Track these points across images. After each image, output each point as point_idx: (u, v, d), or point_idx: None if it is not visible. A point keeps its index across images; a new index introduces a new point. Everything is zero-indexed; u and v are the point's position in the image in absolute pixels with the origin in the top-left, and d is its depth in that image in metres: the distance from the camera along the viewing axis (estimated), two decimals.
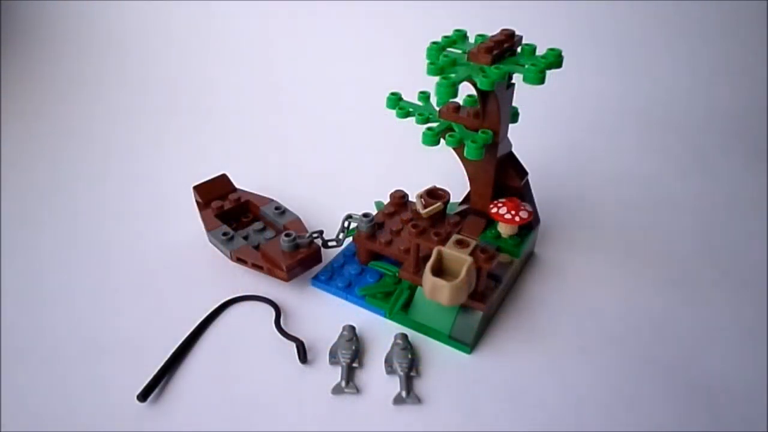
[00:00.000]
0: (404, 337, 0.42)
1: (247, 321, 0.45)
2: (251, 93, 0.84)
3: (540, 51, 0.39)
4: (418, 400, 0.39)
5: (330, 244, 0.49)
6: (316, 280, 0.48)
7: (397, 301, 0.44)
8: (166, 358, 0.41)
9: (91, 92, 0.88)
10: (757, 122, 0.75)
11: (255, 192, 0.56)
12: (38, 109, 0.83)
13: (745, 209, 0.60)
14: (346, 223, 0.49)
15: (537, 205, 0.50)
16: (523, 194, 0.47)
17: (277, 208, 0.53)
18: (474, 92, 0.42)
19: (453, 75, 0.35)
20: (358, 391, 0.40)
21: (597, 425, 0.38)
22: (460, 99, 0.43)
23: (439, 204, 0.43)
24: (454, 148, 0.43)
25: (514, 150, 0.47)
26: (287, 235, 0.46)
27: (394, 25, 0.87)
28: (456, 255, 0.39)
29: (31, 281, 0.50)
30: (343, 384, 0.40)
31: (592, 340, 0.44)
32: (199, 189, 0.55)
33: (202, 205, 0.54)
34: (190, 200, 0.56)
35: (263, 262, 0.46)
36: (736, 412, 0.38)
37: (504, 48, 0.38)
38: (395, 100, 0.45)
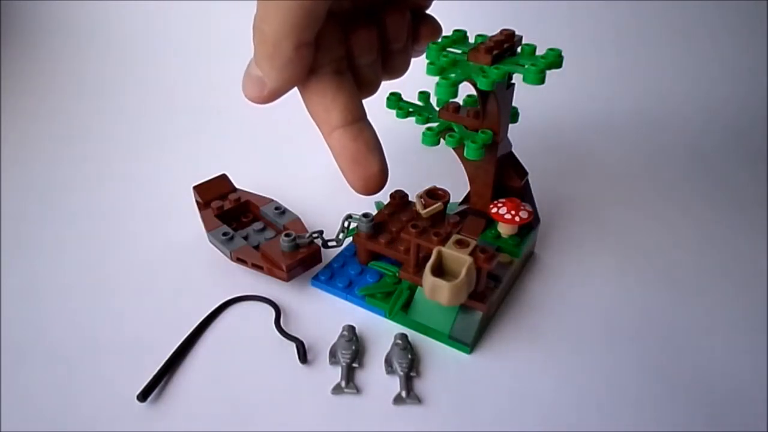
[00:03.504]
0: (404, 337, 0.42)
1: (247, 321, 0.45)
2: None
3: (540, 51, 0.39)
4: (418, 400, 0.39)
5: (330, 244, 0.49)
6: (316, 280, 0.48)
7: (397, 301, 0.44)
8: (166, 358, 0.41)
9: (91, 92, 0.88)
10: (757, 123, 0.75)
11: (255, 192, 0.56)
12: (38, 109, 0.83)
13: (745, 209, 0.60)
14: (346, 223, 0.49)
15: (537, 205, 0.50)
16: (523, 194, 0.47)
17: (277, 208, 0.53)
18: (474, 92, 0.42)
19: (453, 75, 0.35)
20: (358, 391, 0.40)
21: (597, 425, 0.38)
22: (460, 99, 0.43)
23: (439, 204, 0.43)
24: (454, 148, 0.43)
25: (514, 150, 0.47)
26: (287, 235, 0.46)
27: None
28: (456, 255, 0.39)
29: (30, 281, 0.49)
30: (343, 384, 0.40)
31: (592, 340, 0.44)
32: (199, 189, 0.55)
33: (202, 205, 0.54)
34: (190, 200, 0.56)
35: (263, 262, 0.46)
36: (738, 412, 0.38)
37: (504, 48, 0.38)
38: (395, 100, 0.45)
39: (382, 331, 0.44)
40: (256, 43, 0.24)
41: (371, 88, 0.30)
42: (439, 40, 0.40)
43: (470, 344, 0.42)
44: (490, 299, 0.42)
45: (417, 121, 0.44)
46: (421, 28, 0.30)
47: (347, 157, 0.26)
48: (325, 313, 0.46)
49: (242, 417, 0.38)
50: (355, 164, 0.26)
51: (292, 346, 0.42)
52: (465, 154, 0.40)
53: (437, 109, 0.45)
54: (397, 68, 0.30)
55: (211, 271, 0.50)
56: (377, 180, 0.26)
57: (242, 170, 0.62)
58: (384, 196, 0.52)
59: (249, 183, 0.59)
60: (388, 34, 0.28)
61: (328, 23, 0.25)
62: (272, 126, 0.76)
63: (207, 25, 0.96)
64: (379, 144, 0.27)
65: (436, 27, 0.31)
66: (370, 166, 0.26)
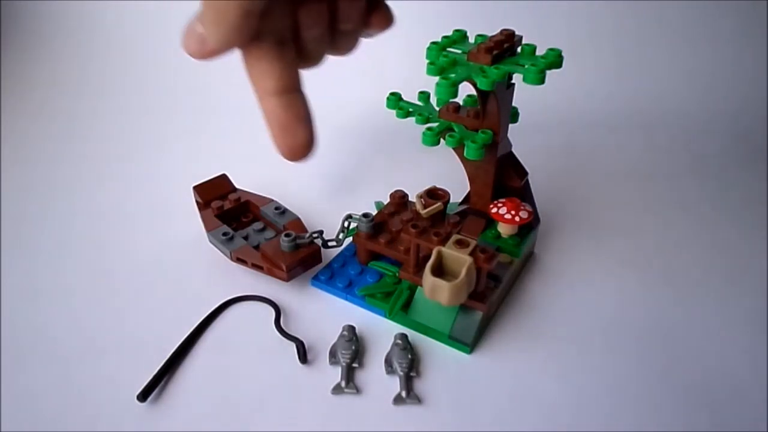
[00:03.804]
0: (404, 337, 0.42)
1: (247, 321, 0.45)
2: (251, 93, 0.84)
3: (540, 51, 0.39)
4: (418, 400, 0.39)
5: (330, 244, 0.49)
6: (316, 280, 0.48)
7: (397, 301, 0.44)
8: (166, 358, 0.41)
9: (91, 92, 0.88)
10: (757, 123, 0.75)
11: (255, 192, 0.56)
12: (38, 109, 0.83)
13: (745, 209, 0.60)
14: (346, 223, 0.49)
15: (537, 205, 0.50)
16: (523, 194, 0.47)
17: (277, 208, 0.53)
18: (474, 92, 0.42)
19: (453, 75, 0.35)
20: (358, 391, 0.40)
21: (597, 425, 0.38)
22: (460, 99, 0.43)
23: (439, 204, 0.43)
24: (454, 148, 0.43)
25: (514, 150, 0.47)
26: (287, 235, 0.46)
27: (395, 25, 0.86)
28: (456, 255, 0.39)
29: (31, 281, 0.49)
30: (343, 384, 0.40)
31: (592, 340, 0.44)
32: (199, 189, 0.55)
33: (202, 205, 0.54)
34: (190, 200, 0.56)
35: (263, 262, 0.46)
36: (737, 412, 0.38)
37: (504, 48, 0.38)
38: (395, 100, 0.45)
39: (382, 331, 0.44)
40: (202, 4, 0.24)
41: (313, 62, 0.30)
42: (440, 40, 0.40)
43: (470, 344, 0.42)
44: (490, 299, 0.42)
45: (417, 121, 0.44)
46: (373, 15, 0.30)
47: (277, 125, 0.27)
48: (325, 313, 0.46)
49: (242, 417, 0.38)
50: (284, 132, 0.27)
51: (292, 346, 0.42)
52: (465, 154, 0.40)
53: (437, 109, 0.45)
54: (344, 47, 0.30)
55: (211, 271, 0.50)
56: (304, 150, 0.27)
57: (242, 170, 0.62)
58: (384, 196, 0.52)
59: (249, 183, 0.59)
60: (339, 14, 0.28)
61: None
62: None
63: None
64: (310, 116, 0.27)
65: (389, 17, 0.31)
66: (297, 136, 0.27)
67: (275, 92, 0.27)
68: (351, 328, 0.43)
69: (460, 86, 0.36)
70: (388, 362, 0.41)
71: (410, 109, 0.44)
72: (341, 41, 0.30)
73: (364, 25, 0.30)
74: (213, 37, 0.25)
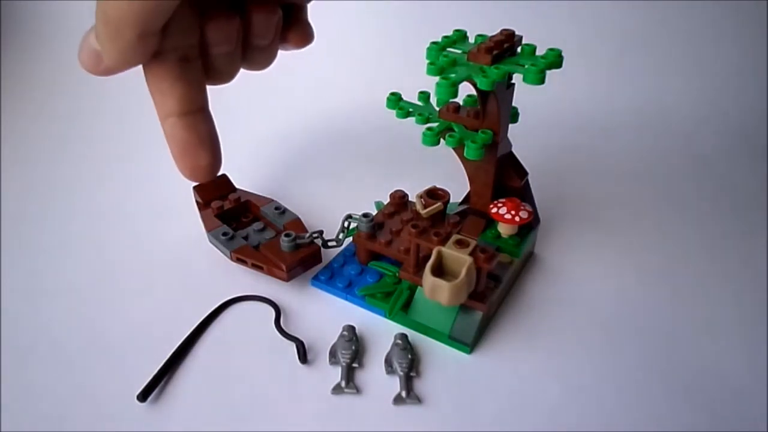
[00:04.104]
0: (404, 337, 0.42)
1: (247, 321, 0.45)
2: (251, 93, 0.84)
3: (540, 51, 0.39)
4: (418, 400, 0.39)
5: (330, 244, 0.49)
6: (316, 280, 0.48)
7: (397, 301, 0.44)
8: (166, 358, 0.41)
9: (91, 92, 0.88)
10: (757, 123, 0.75)
11: (255, 192, 0.56)
12: (38, 109, 0.83)
13: (745, 209, 0.60)
14: (346, 223, 0.49)
15: (537, 205, 0.50)
16: (523, 194, 0.47)
17: (277, 208, 0.53)
18: (474, 92, 0.42)
19: (453, 75, 0.35)
20: (358, 391, 0.40)
21: (597, 425, 0.38)
22: (460, 99, 0.43)
23: (439, 204, 0.43)
24: (454, 148, 0.43)
25: (514, 150, 0.47)
26: (287, 235, 0.46)
27: (394, 25, 0.87)
28: (456, 255, 0.39)
29: (30, 281, 0.50)
30: (343, 384, 0.40)
31: (592, 340, 0.44)
32: (199, 189, 0.55)
33: (202, 205, 0.54)
34: (190, 200, 0.56)
35: (263, 262, 0.46)
36: (737, 412, 0.38)
37: (504, 48, 0.38)
38: (395, 100, 0.45)
39: (382, 331, 0.44)
40: (97, 20, 0.22)
41: (224, 78, 0.28)
42: (440, 40, 0.40)
43: (470, 344, 0.42)
44: (490, 299, 0.42)
45: (417, 121, 0.44)
46: (290, 31, 0.29)
47: (177, 146, 0.26)
48: (325, 313, 0.46)
49: (242, 417, 0.38)
50: (184, 154, 0.26)
51: (292, 346, 0.42)
52: (465, 154, 0.40)
53: (437, 109, 0.45)
54: (259, 62, 0.29)
55: (211, 271, 0.50)
56: (205, 172, 0.26)
57: (242, 170, 0.62)
58: (384, 196, 0.52)
59: (249, 183, 0.59)
60: (252, 29, 0.26)
61: (182, 8, 0.23)
62: (272, 126, 0.76)
63: None
64: (213, 136, 0.26)
65: (307, 34, 0.30)
66: (198, 158, 0.26)
67: (177, 113, 0.26)
68: (351, 328, 0.43)
69: (460, 86, 0.36)
70: (388, 362, 0.41)
71: (410, 109, 0.44)
72: (256, 57, 0.28)
73: (281, 40, 0.29)
74: (109, 55, 0.22)
